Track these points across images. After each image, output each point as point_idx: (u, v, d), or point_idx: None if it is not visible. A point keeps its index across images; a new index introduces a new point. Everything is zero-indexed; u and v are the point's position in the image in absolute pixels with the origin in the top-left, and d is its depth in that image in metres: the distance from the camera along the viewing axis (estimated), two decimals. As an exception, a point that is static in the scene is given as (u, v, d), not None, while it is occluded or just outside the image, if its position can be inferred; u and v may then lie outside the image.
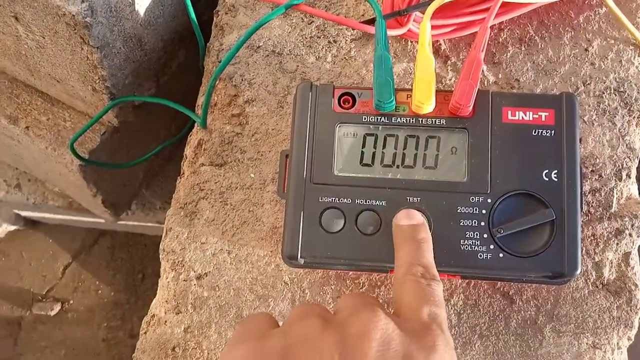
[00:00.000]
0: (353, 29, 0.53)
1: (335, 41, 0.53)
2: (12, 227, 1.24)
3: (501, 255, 0.39)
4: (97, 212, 0.88)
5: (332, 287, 0.49)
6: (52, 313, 1.24)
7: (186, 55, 0.68)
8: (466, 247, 0.39)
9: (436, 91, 0.41)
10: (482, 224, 0.40)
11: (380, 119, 0.41)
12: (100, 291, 1.25)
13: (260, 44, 0.54)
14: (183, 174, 0.53)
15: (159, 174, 0.91)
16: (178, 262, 0.50)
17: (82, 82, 0.57)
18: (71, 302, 1.25)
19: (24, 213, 1.13)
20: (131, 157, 0.73)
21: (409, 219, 0.38)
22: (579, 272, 0.39)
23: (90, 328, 1.23)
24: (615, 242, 0.48)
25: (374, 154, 0.41)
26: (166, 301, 0.50)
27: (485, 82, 0.51)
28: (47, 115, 0.67)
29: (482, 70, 0.51)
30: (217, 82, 0.53)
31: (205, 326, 0.49)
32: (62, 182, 0.83)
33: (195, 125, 0.54)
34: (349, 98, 0.42)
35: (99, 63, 0.52)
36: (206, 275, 0.50)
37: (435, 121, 0.41)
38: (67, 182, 0.78)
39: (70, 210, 0.97)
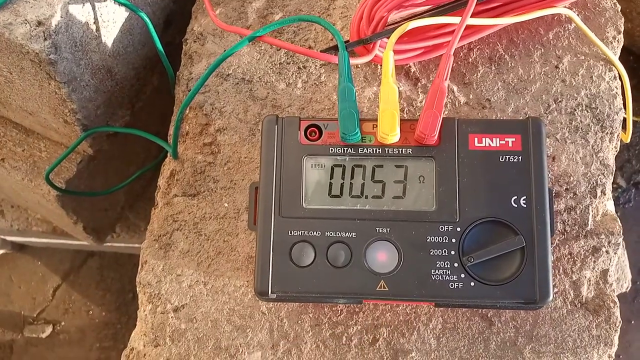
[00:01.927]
0: (322, 54, 0.52)
1: (304, 67, 0.53)
2: (-1, 252, 1.23)
3: (472, 284, 0.39)
4: (80, 237, 0.87)
5: (310, 315, 0.48)
6: (44, 335, 1.23)
7: (160, 79, 0.68)
8: (437, 277, 0.39)
9: (401, 120, 0.41)
10: (452, 253, 0.39)
11: (347, 149, 0.41)
12: (91, 312, 1.24)
13: (230, 72, 0.53)
14: (157, 204, 0.53)
15: (142, 196, 0.91)
16: (154, 294, 0.50)
17: (53, 114, 0.57)
18: (62, 323, 1.24)
19: (9, 238, 1.12)
20: (110, 183, 0.73)
21: None
22: (550, 298, 0.38)
23: (82, 349, 1.22)
24: (593, 259, 0.48)
25: (342, 185, 0.41)
26: (144, 334, 0.50)
27: (456, 103, 0.51)
28: (22, 147, 0.67)
29: (453, 92, 0.51)
30: (187, 111, 0.53)
31: (184, 359, 0.49)
32: (43, 210, 0.82)
33: (168, 155, 0.54)
34: (315, 130, 0.42)
35: (68, 97, 0.52)
36: (183, 308, 0.49)
37: (401, 150, 0.41)
38: (47, 210, 0.78)
39: (55, 235, 0.96)
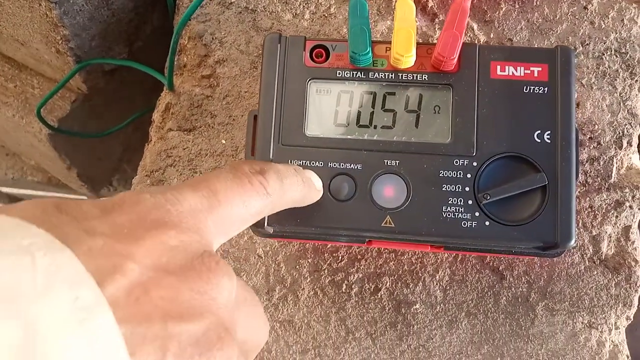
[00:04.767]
0: (333, -16, 0.49)
1: (313, -3, 0.49)
2: (-5, 205, 1.20)
3: (487, 223, 0.35)
4: (74, 186, 0.84)
5: (309, 260, 0.45)
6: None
7: (162, 19, 0.64)
8: (449, 215, 0.36)
9: (418, 44, 0.37)
10: (467, 189, 0.36)
11: (356, 74, 0.38)
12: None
13: (233, 0, 0.49)
14: (150, 139, 0.50)
15: (140, 149, 0.87)
16: (144, 234, 0.47)
17: (45, 43, 0.53)
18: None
19: (4, 189, 1.10)
20: (105, 128, 0.69)
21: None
22: (572, 242, 0.35)
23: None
24: (615, 214, 0.45)
25: (349, 112, 0.38)
26: (132, 276, 0.47)
27: (476, 42, 0.47)
28: (14, 82, 0.63)
29: (473, 30, 0.47)
30: (185, 42, 0.49)
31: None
32: (36, 155, 0.79)
33: (164, 88, 0.50)
34: (322, 51, 0.38)
35: (59, 20, 0.49)
36: (174, 249, 0.46)
37: (416, 77, 0.37)
38: (40, 154, 0.75)
39: (50, 186, 0.94)
